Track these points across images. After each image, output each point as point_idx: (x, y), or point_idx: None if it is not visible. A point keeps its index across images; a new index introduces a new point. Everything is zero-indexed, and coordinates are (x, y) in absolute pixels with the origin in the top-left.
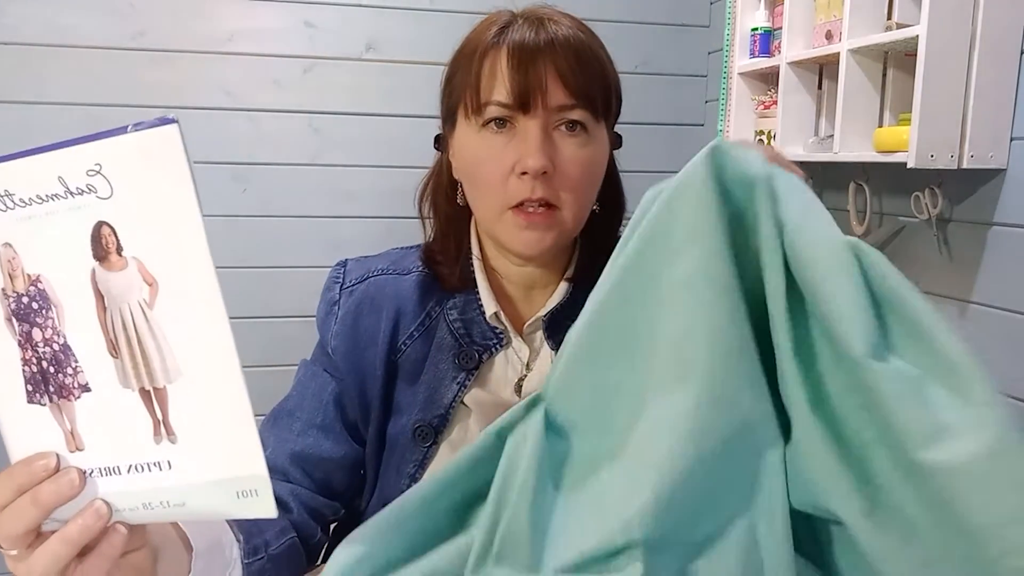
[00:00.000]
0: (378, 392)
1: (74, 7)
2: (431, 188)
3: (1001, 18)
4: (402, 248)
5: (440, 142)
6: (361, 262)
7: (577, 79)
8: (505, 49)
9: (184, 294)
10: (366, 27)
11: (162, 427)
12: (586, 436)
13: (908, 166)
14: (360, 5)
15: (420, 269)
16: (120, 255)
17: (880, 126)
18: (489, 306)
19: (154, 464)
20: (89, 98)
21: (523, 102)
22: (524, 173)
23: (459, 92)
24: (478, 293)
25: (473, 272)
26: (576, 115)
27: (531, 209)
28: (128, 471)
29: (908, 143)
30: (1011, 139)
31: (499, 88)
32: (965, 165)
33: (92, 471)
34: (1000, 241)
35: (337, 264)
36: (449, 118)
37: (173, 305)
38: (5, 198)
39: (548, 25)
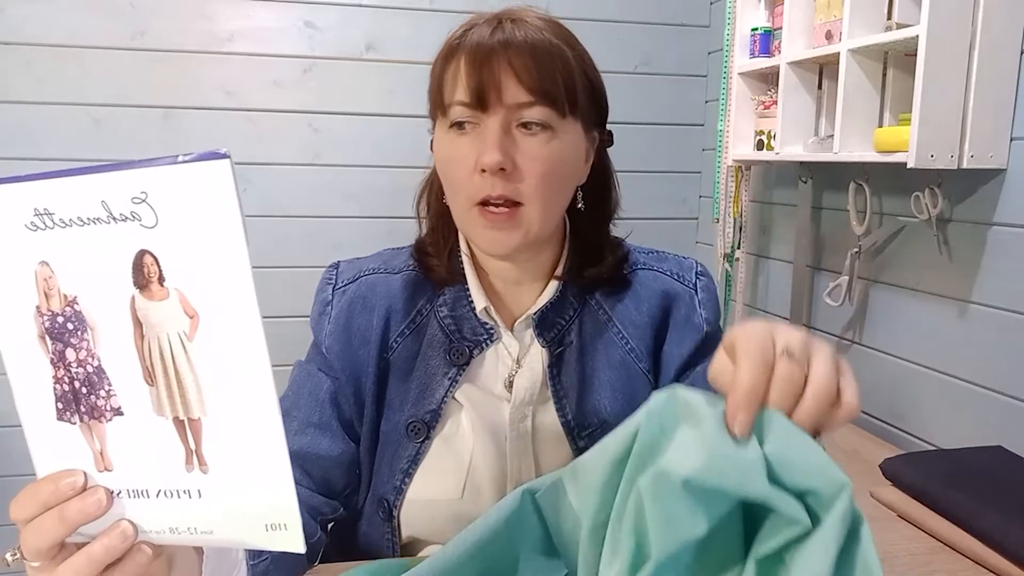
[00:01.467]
0: (371, 389)
1: (74, 7)
2: (427, 188)
3: (1001, 18)
4: (393, 248)
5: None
6: (353, 263)
7: (532, 76)
8: (464, 50)
9: (225, 329)
10: (366, 27)
11: (194, 457)
12: None
13: (908, 166)
14: (360, 5)
15: (410, 268)
16: (162, 285)
17: (880, 126)
18: (479, 301)
19: (184, 491)
20: (89, 98)
21: (480, 100)
22: (484, 170)
23: (432, 94)
24: (468, 289)
25: (462, 266)
26: (536, 112)
27: (494, 209)
28: (157, 495)
29: (908, 143)
30: (1011, 139)
31: (460, 88)
32: (965, 165)
33: (120, 492)
34: (1000, 241)
35: (330, 266)
36: (431, 120)
37: (213, 339)
38: (45, 216)
39: (507, 25)
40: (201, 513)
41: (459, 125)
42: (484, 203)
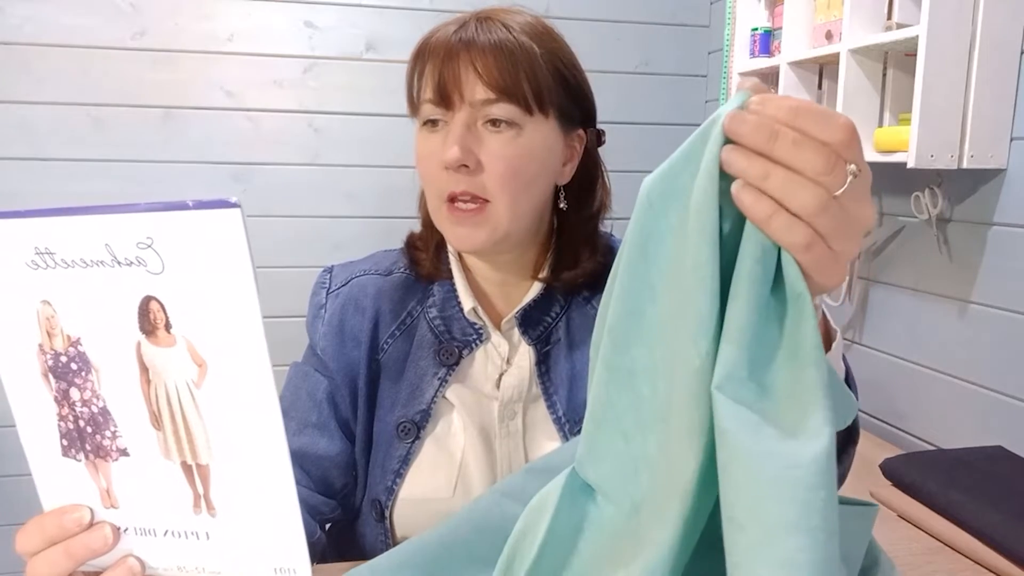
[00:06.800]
0: (364, 391)
1: (75, 7)
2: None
3: (1001, 18)
4: (385, 250)
5: None
6: (346, 266)
7: (493, 74)
8: (430, 50)
9: (235, 378)
10: (366, 27)
11: (203, 501)
12: (609, 500)
13: (908, 166)
14: (360, 5)
15: (401, 270)
16: (169, 332)
17: (880, 126)
18: (467, 302)
19: (192, 533)
20: (89, 98)
21: (444, 97)
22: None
23: (406, 94)
24: (456, 289)
25: (449, 264)
26: (499, 109)
27: (461, 206)
28: (164, 535)
29: (908, 143)
30: (1011, 139)
31: (428, 87)
32: (965, 165)
33: (127, 528)
34: (1000, 241)
35: (323, 269)
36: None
37: (222, 387)
38: (46, 255)
39: (471, 25)
40: (209, 554)
41: (431, 123)
42: (452, 199)
